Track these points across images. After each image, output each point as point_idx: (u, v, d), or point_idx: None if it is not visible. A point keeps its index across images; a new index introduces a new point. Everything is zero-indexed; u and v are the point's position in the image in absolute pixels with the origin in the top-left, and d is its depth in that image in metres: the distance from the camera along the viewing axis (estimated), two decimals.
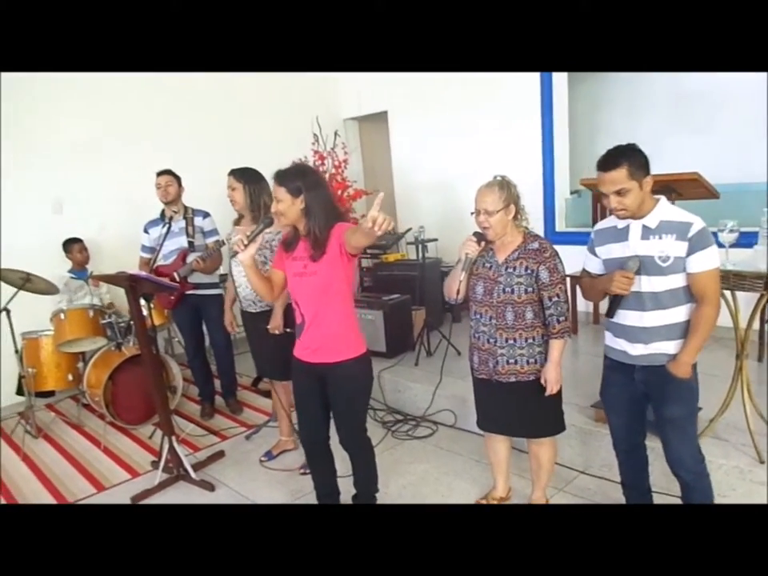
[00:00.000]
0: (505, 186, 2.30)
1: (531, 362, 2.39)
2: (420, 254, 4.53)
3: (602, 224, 2.26)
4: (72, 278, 4.46)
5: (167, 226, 3.73)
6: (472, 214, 2.34)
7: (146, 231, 3.92)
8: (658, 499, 2.51)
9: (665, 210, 2.05)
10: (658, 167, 3.11)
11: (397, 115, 6.01)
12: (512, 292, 2.33)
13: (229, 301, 3.52)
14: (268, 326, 3.05)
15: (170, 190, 3.82)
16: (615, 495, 2.76)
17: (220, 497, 3.09)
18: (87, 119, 4.75)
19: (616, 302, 2.13)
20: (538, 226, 5.06)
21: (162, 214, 3.88)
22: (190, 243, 3.85)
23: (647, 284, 2.05)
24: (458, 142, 5.56)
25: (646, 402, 2.24)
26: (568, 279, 4.45)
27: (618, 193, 1.98)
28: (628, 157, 1.97)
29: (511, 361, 2.39)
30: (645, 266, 2.03)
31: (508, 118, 5.15)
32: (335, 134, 5.17)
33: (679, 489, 2.27)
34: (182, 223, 3.87)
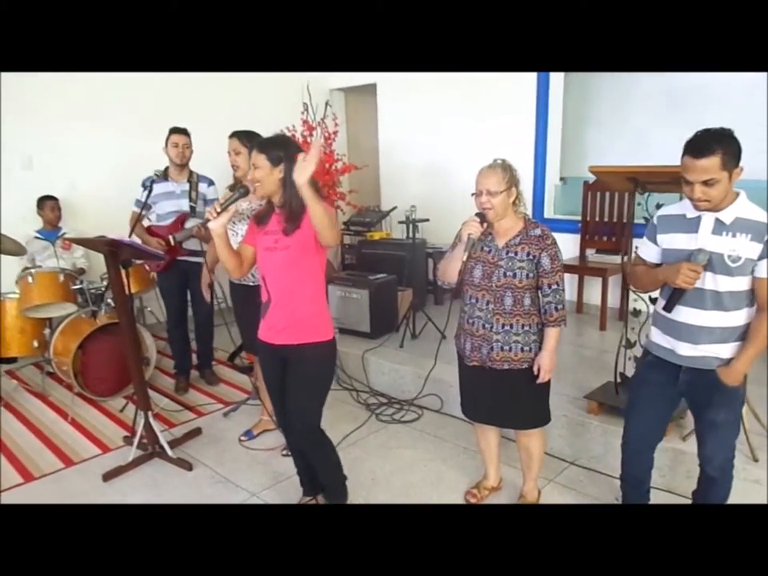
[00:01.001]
0: (507, 169, 2.25)
1: (526, 349, 2.33)
2: (410, 234, 4.41)
3: (667, 210, 2.10)
4: (36, 237, 4.21)
5: (149, 188, 3.52)
6: (473, 195, 2.26)
7: (143, 186, 3.64)
8: (658, 495, 2.49)
9: (743, 206, 1.89)
10: (645, 159, 3.08)
11: (386, 89, 5.83)
12: (513, 276, 2.27)
13: (212, 264, 3.25)
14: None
15: (187, 152, 3.64)
16: (606, 487, 2.75)
17: (198, 477, 2.96)
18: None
19: (677, 295, 1.99)
20: (527, 212, 5.03)
21: (165, 171, 3.67)
22: (192, 208, 3.67)
23: (711, 282, 1.93)
24: (449, 123, 5.43)
25: (678, 403, 2.19)
26: None
27: (706, 183, 1.82)
28: (722, 143, 1.78)
29: (506, 347, 2.32)
30: (712, 262, 1.90)
31: (502, 102, 5.04)
32: (326, 104, 4.98)
33: (696, 485, 2.26)
34: (185, 186, 3.68)
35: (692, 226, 1.96)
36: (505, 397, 2.41)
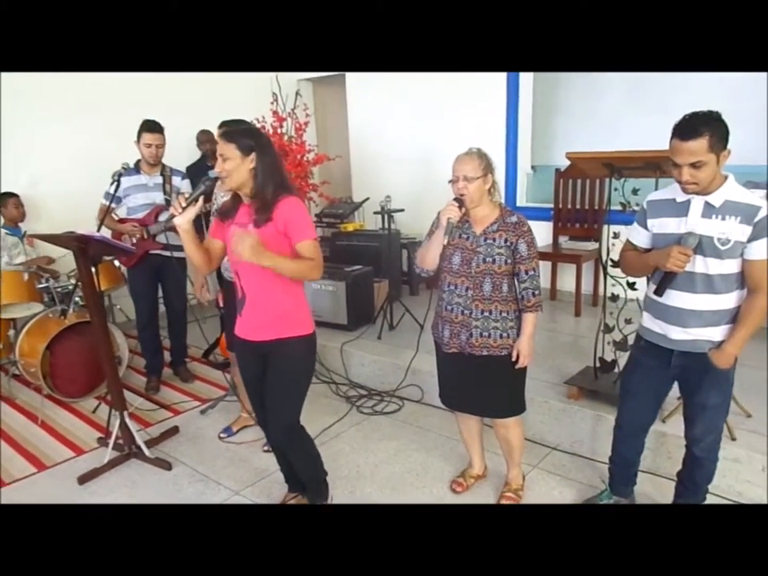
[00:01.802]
0: (483, 156, 2.28)
1: (504, 335, 2.34)
2: (385, 225, 4.38)
3: (657, 195, 2.12)
4: (7, 233, 4.03)
5: (116, 182, 3.41)
6: (450, 181, 2.27)
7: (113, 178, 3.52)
8: (640, 477, 2.53)
9: (732, 189, 1.90)
10: (614, 146, 3.11)
11: (356, 79, 5.76)
12: (493, 262, 2.28)
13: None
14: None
15: (161, 151, 3.52)
16: (590, 471, 2.79)
17: (177, 476, 2.89)
18: None
19: (668, 279, 2.00)
20: None
21: (137, 163, 3.56)
22: (167, 201, 3.56)
23: (701, 265, 1.94)
24: (419, 113, 5.40)
25: (671, 386, 2.21)
26: None
27: (694, 165, 1.83)
28: (711, 126, 1.79)
29: (485, 334, 2.33)
30: (702, 246, 1.91)
31: (473, 92, 5.02)
32: (296, 93, 4.90)
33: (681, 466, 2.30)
34: (158, 179, 3.57)
35: (682, 209, 1.98)
36: (483, 384, 2.41)
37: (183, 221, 2.08)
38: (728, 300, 1.98)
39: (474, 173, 2.22)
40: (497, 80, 4.90)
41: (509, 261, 2.29)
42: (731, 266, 1.93)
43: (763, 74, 4.21)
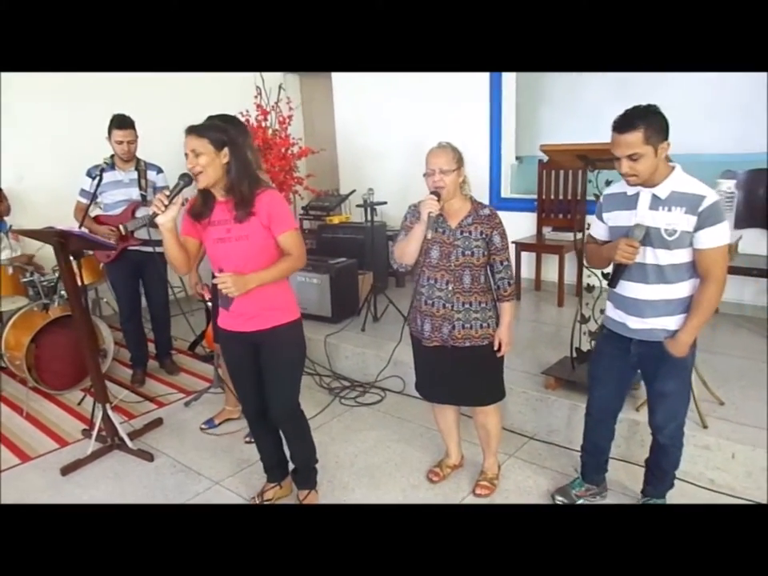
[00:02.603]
0: (456, 150, 2.31)
1: (484, 325, 2.39)
2: (368, 217, 4.40)
3: (611, 189, 2.17)
4: None
5: (99, 177, 3.42)
6: (425, 175, 2.29)
7: (89, 175, 3.53)
8: (614, 465, 2.57)
9: (678, 180, 1.95)
10: (598, 137, 3.12)
11: (341, 73, 5.76)
12: (472, 255, 2.32)
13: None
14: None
15: (133, 147, 3.51)
16: (564, 460, 2.83)
17: (159, 467, 2.93)
18: None
19: (619, 271, 2.06)
20: (483, 192, 5.06)
21: (112, 159, 3.55)
22: (143, 197, 3.57)
23: (651, 256, 1.99)
24: (405, 106, 5.40)
25: (635, 374, 2.25)
26: (513, 245, 4.52)
27: (631, 157, 1.87)
28: (646, 119, 1.84)
29: (467, 325, 2.37)
30: (650, 237, 1.96)
31: (456, 83, 5.02)
32: (280, 87, 4.90)
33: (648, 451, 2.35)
34: (133, 174, 3.57)
35: (631, 202, 2.03)
36: (464, 375, 2.44)
37: (167, 219, 2.06)
38: (680, 289, 2.02)
39: (448, 165, 2.24)
40: (480, 73, 4.90)
41: (485, 253, 2.34)
42: (681, 256, 1.97)
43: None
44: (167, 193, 2.06)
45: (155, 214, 2.05)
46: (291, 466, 2.62)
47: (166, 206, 2.04)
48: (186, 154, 2.06)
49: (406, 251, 2.35)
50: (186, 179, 2.08)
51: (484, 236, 2.32)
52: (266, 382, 2.34)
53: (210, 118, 2.74)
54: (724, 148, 4.48)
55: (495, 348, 2.39)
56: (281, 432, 2.51)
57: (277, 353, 2.29)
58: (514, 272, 2.41)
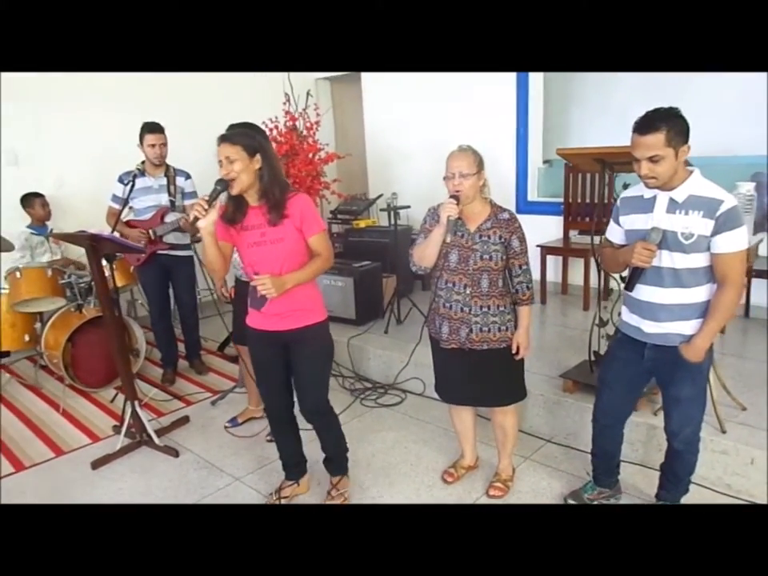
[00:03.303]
0: (476, 153, 2.32)
1: (503, 329, 2.40)
2: (392, 221, 4.45)
3: (628, 192, 2.16)
4: (32, 233, 4.25)
5: (131, 182, 3.55)
6: (444, 178, 2.31)
7: (121, 181, 3.66)
8: (631, 469, 2.55)
9: (696, 183, 1.93)
10: (626, 136, 3.10)
11: (371, 77, 5.84)
12: (490, 259, 2.33)
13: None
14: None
15: (164, 150, 3.64)
16: (580, 463, 2.81)
17: (184, 463, 3.04)
18: None
19: (636, 274, 2.05)
20: (510, 195, 5.06)
21: (138, 166, 3.65)
22: (172, 203, 3.70)
23: (668, 260, 1.97)
24: (433, 108, 5.44)
25: (649, 379, 2.24)
26: (539, 249, 4.51)
27: (651, 159, 1.86)
28: (668, 121, 1.83)
29: (485, 329, 2.39)
30: (667, 241, 1.95)
31: (484, 85, 5.04)
32: (308, 93, 5.00)
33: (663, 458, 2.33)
34: (163, 180, 3.70)
35: (648, 205, 2.01)
36: (483, 377, 2.46)
37: (207, 223, 2.14)
38: (697, 294, 2.00)
39: (469, 169, 2.26)
40: (507, 74, 4.91)
41: (503, 257, 2.35)
42: (698, 260, 1.95)
43: None
44: (206, 198, 2.14)
45: (196, 219, 2.12)
46: (312, 459, 2.70)
47: (206, 211, 2.12)
48: (220, 161, 2.14)
49: (424, 254, 2.38)
50: (223, 184, 2.16)
51: (503, 240, 2.33)
52: (298, 380, 2.44)
53: (232, 126, 2.84)
54: (755, 149, 4.36)
55: (513, 351, 2.41)
56: (312, 427, 2.58)
57: (308, 351, 2.38)
58: (532, 276, 2.42)
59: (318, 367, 2.45)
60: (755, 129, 4.37)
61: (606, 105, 5.52)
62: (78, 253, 4.27)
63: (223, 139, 2.16)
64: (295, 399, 2.50)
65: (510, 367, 2.46)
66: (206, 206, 2.11)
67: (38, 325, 4.07)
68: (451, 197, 2.28)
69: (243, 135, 2.18)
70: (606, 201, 2.98)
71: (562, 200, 4.76)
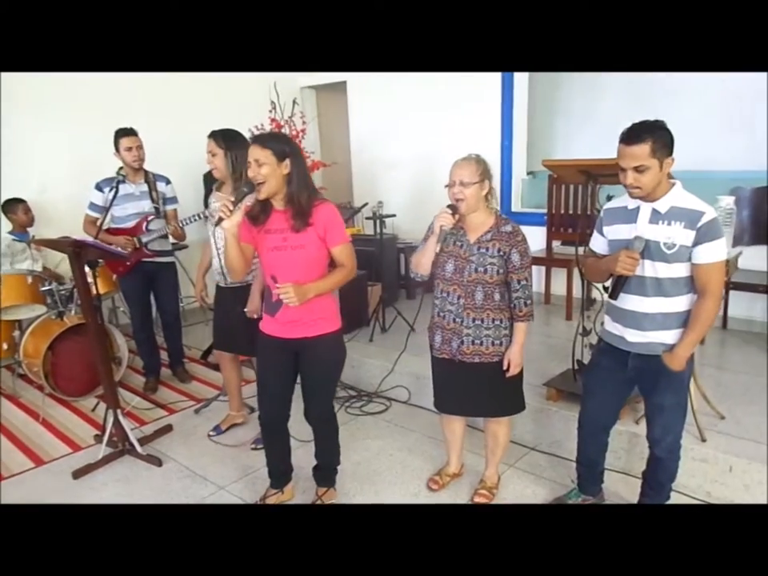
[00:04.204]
0: (481, 162, 2.29)
1: (497, 343, 2.37)
2: (378, 230, 4.47)
3: (612, 203, 2.21)
4: (14, 239, 4.19)
5: (114, 189, 3.52)
6: (446, 186, 2.30)
7: (99, 189, 3.62)
8: (613, 477, 2.58)
9: (678, 195, 1.98)
10: (612, 149, 3.14)
11: (356, 86, 5.88)
12: (485, 272, 2.31)
13: (203, 269, 3.26)
14: (245, 309, 2.88)
15: (142, 153, 3.59)
16: (564, 471, 2.84)
17: (167, 472, 3.01)
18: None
19: (620, 283, 2.08)
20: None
21: (119, 172, 3.62)
22: (156, 209, 3.67)
23: (651, 269, 2.01)
24: (418, 118, 5.50)
25: (632, 388, 2.27)
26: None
27: (637, 169, 1.91)
28: (653, 133, 1.88)
29: (477, 341, 2.37)
30: (650, 250, 1.99)
31: (468, 97, 5.11)
32: (294, 102, 5.02)
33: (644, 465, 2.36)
34: (144, 187, 3.66)
35: (632, 216, 2.06)
36: (477, 388, 2.45)
37: (232, 224, 2.15)
38: (678, 303, 2.04)
39: (470, 178, 2.24)
40: (492, 86, 4.97)
41: (500, 271, 2.31)
42: (680, 270, 1.99)
43: (763, 79, 4.19)
44: (232, 199, 2.15)
45: (221, 219, 2.13)
46: (297, 467, 2.68)
47: (231, 212, 2.13)
48: (249, 163, 2.15)
49: (420, 262, 2.38)
50: (249, 186, 2.17)
51: (501, 253, 2.29)
52: (307, 386, 2.45)
53: (213, 133, 2.85)
54: (735, 164, 4.46)
55: (504, 368, 2.37)
56: (313, 434, 2.60)
57: (320, 359, 2.39)
58: (532, 291, 2.37)
59: (329, 376, 2.48)
60: (735, 144, 4.47)
61: (591, 117, 5.61)
62: (55, 262, 4.24)
63: (254, 141, 2.17)
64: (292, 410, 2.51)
65: (504, 381, 2.41)
66: (232, 207, 2.12)
67: (16, 333, 4.01)
68: (448, 206, 2.28)
69: (274, 139, 2.18)
70: (589, 212, 3.00)
71: (545, 211, 4.83)
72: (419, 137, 5.51)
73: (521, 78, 4.99)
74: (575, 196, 4.62)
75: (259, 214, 2.27)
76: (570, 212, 4.65)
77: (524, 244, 2.32)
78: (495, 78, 4.96)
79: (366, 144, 5.95)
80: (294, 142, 2.26)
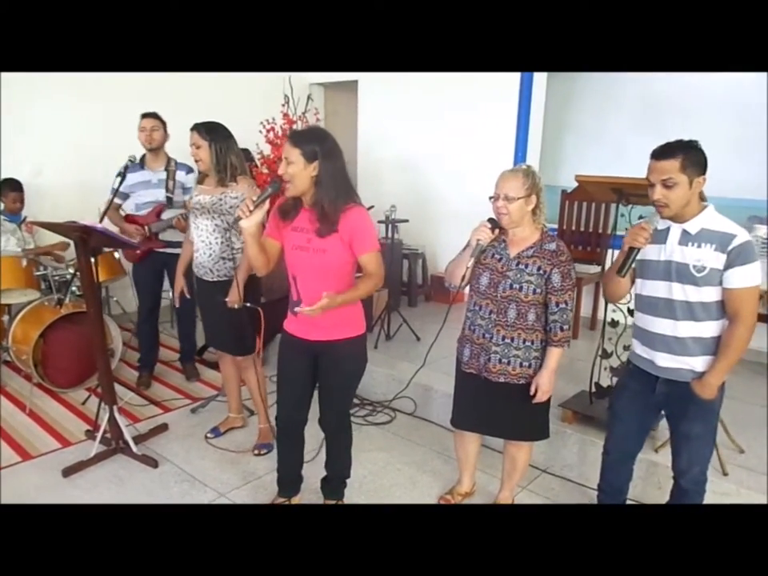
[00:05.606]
0: (530, 175, 2.16)
1: (525, 365, 2.27)
2: (389, 234, 4.38)
3: (641, 223, 2.13)
4: (5, 219, 4.00)
5: (122, 175, 3.37)
6: (491, 198, 2.20)
7: (118, 174, 3.45)
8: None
9: (710, 217, 1.94)
10: (622, 167, 3.09)
11: (367, 86, 5.78)
12: (519, 289, 2.20)
13: (183, 265, 3.14)
14: (225, 299, 2.77)
15: (156, 135, 3.47)
16: (578, 496, 2.77)
17: (164, 474, 2.86)
18: None
19: (630, 257, 2.00)
20: None
21: (142, 159, 3.51)
22: (168, 199, 3.53)
23: (680, 292, 1.96)
24: (429, 123, 5.40)
25: (658, 413, 2.20)
26: None
27: (665, 184, 1.86)
28: (685, 150, 1.85)
29: (504, 360, 2.27)
30: (679, 273, 1.94)
31: (483, 104, 5.04)
32: (308, 97, 4.90)
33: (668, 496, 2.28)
34: (162, 174, 3.53)
35: (661, 237, 2.01)
36: (500, 409, 2.35)
37: (251, 224, 2.05)
38: (709, 328, 1.98)
39: (515, 192, 2.12)
40: (509, 92, 4.90)
41: (538, 290, 2.19)
42: (710, 294, 1.94)
43: None
44: (254, 198, 2.04)
45: (239, 218, 2.03)
46: (303, 476, 2.58)
47: (251, 211, 2.03)
48: (280, 159, 2.09)
49: (453, 272, 2.28)
50: (275, 186, 2.09)
51: (541, 272, 2.18)
52: (325, 392, 2.36)
53: (196, 125, 2.77)
54: (747, 190, 4.44)
55: (532, 393, 2.26)
56: (325, 443, 2.53)
57: (340, 364, 2.29)
58: (571, 316, 2.25)
59: (350, 383, 2.38)
60: (748, 169, 4.45)
61: (601, 135, 5.59)
62: (45, 243, 4.06)
63: (289, 137, 2.10)
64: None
65: (530, 405, 2.28)
66: (252, 207, 2.02)
67: (5, 317, 3.83)
68: (489, 219, 2.18)
69: (306, 139, 2.07)
70: (618, 232, 2.94)
71: (555, 226, 4.77)
72: (429, 142, 5.41)
73: (539, 85, 4.91)
74: (588, 214, 4.57)
75: (290, 210, 2.19)
76: (582, 230, 4.59)
77: (568, 265, 2.20)
78: (513, 83, 4.88)
79: (373, 145, 5.84)
80: (332, 142, 2.12)
